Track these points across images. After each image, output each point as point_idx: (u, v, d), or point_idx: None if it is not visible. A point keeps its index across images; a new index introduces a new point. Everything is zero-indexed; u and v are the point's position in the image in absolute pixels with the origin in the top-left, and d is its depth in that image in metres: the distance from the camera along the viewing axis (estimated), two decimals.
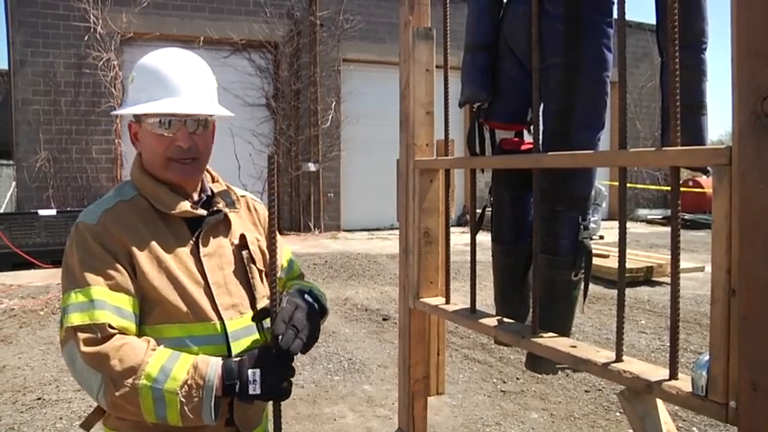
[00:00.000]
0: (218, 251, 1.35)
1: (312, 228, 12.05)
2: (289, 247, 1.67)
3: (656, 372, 1.22)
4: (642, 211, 14.86)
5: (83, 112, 10.60)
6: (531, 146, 1.70)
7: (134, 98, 1.30)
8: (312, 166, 12.05)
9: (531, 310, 1.59)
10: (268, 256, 1.34)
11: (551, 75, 1.82)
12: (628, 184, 1.35)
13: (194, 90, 1.31)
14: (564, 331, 1.85)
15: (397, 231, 2.25)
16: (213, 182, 1.46)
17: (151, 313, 1.25)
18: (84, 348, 1.14)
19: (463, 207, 12.91)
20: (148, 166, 1.34)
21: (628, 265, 1.78)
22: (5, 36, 10.40)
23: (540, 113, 1.62)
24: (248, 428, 1.35)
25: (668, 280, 2.31)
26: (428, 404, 2.07)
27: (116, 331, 1.17)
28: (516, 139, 2.10)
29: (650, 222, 14.17)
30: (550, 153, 1.51)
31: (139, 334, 1.23)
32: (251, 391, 1.18)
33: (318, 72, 12.04)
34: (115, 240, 1.25)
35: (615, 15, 1.59)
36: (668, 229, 2.04)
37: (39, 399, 3.84)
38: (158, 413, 1.15)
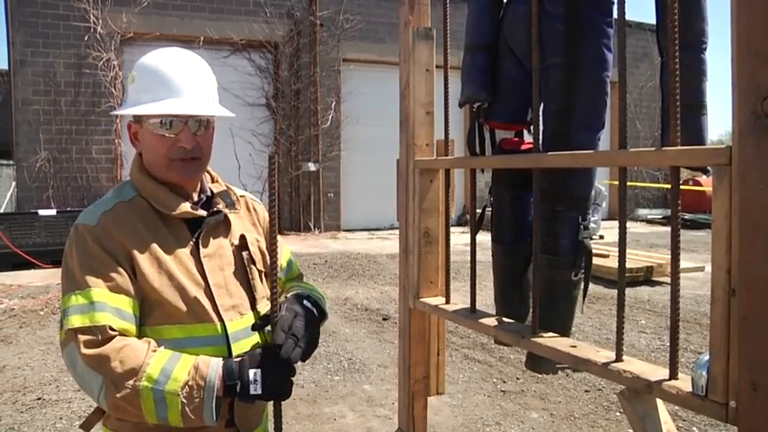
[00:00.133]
0: (219, 252, 1.35)
1: (312, 228, 12.05)
2: (288, 247, 1.67)
3: (656, 371, 1.22)
4: (642, 211, 14.86)
5: (83, 112, 10.60)
6: (531, 146, 1.70)
7: (135, 98, 1.30)
8: (312, 166, 12.05)
9: (531, 310, 1.59)
10: (268, 257, 1.34)
11: (551, 75, 1.82)
12: (628, 184, 1.35)
13: (197, 90, 1.30)
14: (564, 331, 1.85)
15: (397, 231, 2.25)
16: (213, 182, 1.46)
17: (151, 314, 1.25)
18: (84, 350, 1.14)
19: (463, 207, 12.91)
20: (150, 166, 1.34)
21: (628, 265, 1.78)
22: (5, 36, 10.41)
23: (540, 113, 1.62)
24: (248, 429, 1.35)
25: (668, 280, 2.32)
26: (428, 404, 2.07)
27: (116, 333, 1.17)
28: (516, 139, 2.10)
29: (650, 222, 14.17)
30: (550, 153, 1.51)
31: (140, 335, 1.23)
32: (252, 392, 1.18)
33: (318, 72, 12.04)
34: (115, 241, 1.24)
35: (615, 15, 1.59)
36: (668, 228, 2.04)
37: (39, 399, 3.84)
38: (159, 414, 1.15)
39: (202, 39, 10.82)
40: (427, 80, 1.94)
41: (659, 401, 1.28)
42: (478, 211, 2.18)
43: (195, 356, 1.20)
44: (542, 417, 3.62)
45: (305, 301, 1.35)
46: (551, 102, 1.85)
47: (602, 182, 11.40)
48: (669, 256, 1.85)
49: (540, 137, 1.56)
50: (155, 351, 1.18)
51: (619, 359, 1.29)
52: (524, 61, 1.92)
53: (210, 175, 1.46)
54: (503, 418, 3.60)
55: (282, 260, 1.57)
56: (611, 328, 5.25)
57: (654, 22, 1.74)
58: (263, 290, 1.41)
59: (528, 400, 3.87)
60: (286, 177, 11.84)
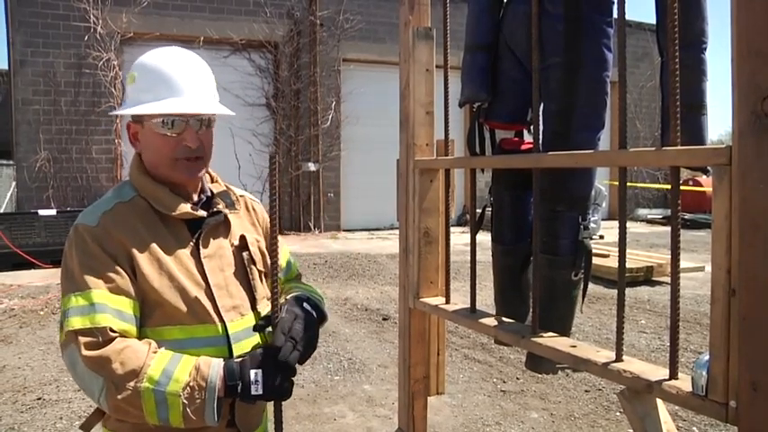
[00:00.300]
0: (219, 252, 1.35)
1: (312, 228, 12.05)
2: (287, 246, 1.67)
3: (656, 371, 1.22)
4: (642, 211, 14.86)
5: (83, 112, 10.60)
6: (531, 146, 1.70)
7: (137, 98, 1.29)
8: (312, 166, 12.05)
9: (531, 310, 1.59)
10: (268, 257, 1.34)
11: (551, 75, 1.82)
12: (628, 184, 1.35)
13: (198, 89, 1.31)
14: (564, 331, 1.85)
15: (397, 231, 2.25)
16: (212, 182, 1.46)
17: (152, 315, 1.25)
18: (85, 352, 1.14)
19: (463, 207, 12.91)
20: (152, 166, 1.33)
21: (628, 265, 1.78)
22: (5, 36, 10.41)
23: (540, 113, 1.62)
24: (249, 429, 1.35)
25: (668, 280, 2.31)
26: (428, 404, 2.07)
27: (117, 335, 1.17)
28: (516, 138, 2.10)
29: (650, 222, 14.17)
30: (550, 153, 1.51)
31: (140, 336, 1.23)
32: (253, 392, 1.18)
33: (318, 72, 12.04)
34: (115, 242, 1.24)
35: (615, 15, 1.59)
36: (668, 228, 2.04)
37: (39, 399, 3.84)
38: (161, 415, 1.15)
39: (202, 39, 10.82)
40: (427, 80, 1.94)
41: (659, 401, 1.28)
42: (478, 211, 2.18)
43: (196, 357, 1.20)
44: (542, 417, 3.62)
45: (305, 304, 1.36)
46: (551, 102, 1.85)
47: (602, 182, 11.40)
48: (669, 256, 1.85)
49: (540, 137, 1.56)
50: (155, 352, 1.18)
51: (619, 359, 1.29)
52: (524, 61, 1.92)
53: (210, 176, 1.46)
54: (503, 418, 3.61)
55: (281, 260, 1.56)
56: (611, 328, 5.25)
57: (654, 22, 1.74)
58: (263, 290, 1.41)
59: (528, 400, 3.87)
60: (286, 177, 11.84)
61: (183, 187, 1.35)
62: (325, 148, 12.26)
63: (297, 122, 12.09)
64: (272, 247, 1.26)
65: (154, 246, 1.27)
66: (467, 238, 1.94)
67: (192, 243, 1.32)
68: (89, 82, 10.56)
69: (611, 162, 1.50)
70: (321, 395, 3.95)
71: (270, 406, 1.33)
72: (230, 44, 11.46)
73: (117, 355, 1.14)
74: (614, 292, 5.63)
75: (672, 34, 1.14)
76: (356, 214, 12.57)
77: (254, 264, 1.40)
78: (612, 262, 7.38)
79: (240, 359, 1.22)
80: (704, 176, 2.22)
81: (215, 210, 1.37)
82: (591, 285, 2.03)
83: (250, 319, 1.35)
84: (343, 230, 12.30)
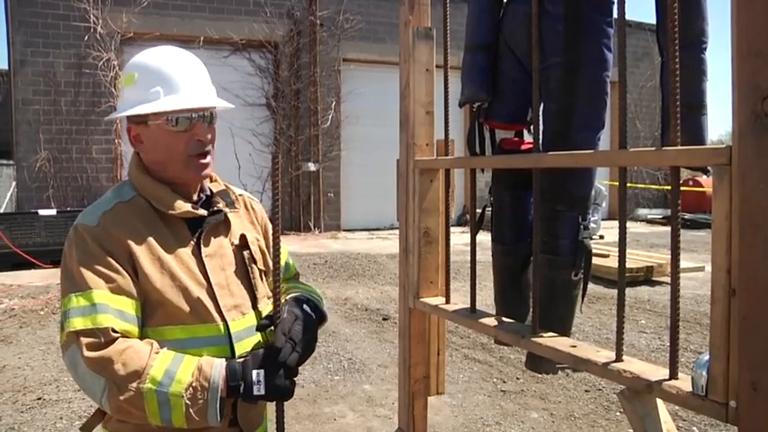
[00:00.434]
0: (220, 251, 1.35)
1: (312, 227, 12.05)
2: (286, 246, 1.67)
3: (656, 371, 1.22)
4: (642, 211, 14.86)
5: (83, 112, 10.60)
6: (531, 146, 1.70)
7: (140, 98, 1.28)
8: (312, 166, 12.05)
9: (531, 310, 1.59)
10: (269, 256, 1.34)
11: (551, 75, 1.82)
12: (628, 184, 1.35)
13: (200, 85, 1.32)
14: (564, 331, 1.85)
15: (397, 231, 2.25)
16: (211, 181, 1.46)
17: (153, 315, 1.24)
18: (87, 353, 1.14)
19: (463, 207, 12.91)
20: (159, 166, 1.32)
21: (628, 265, 1.78)
22: (5, 36, 10.41)
23: (540, 113, 1.62)
24: (251, 428, 1.35)
25: (668, 280, 2.31)
26: (428, 404, 2.07)
27: (119, 335, 1.17)
28: (516, 138, 2.10)
29: (650, 222, 14.17)
30: (550, 153, 1.51)
31: (141, 336, 1.22)
32: (255, 392, 1.18)
33: (318, 72, 12.04)
34: (115, 242, 1.24)
35: (615, 15, 1.59)
36: (668, 228, 2.04)
37: (39, 399, 3.84)
38: (163, 416, 1.15)
39: (202, 39, 10.82)
40: (427, 80, 1.94)
41: (659, 401, 1.28)
42: (478, 211, 2.18)
43: (198, 357, 1.20)
44: (542, 417, 3.62)
45: (305, 306, 1.36)
46: (551, 102, 1.85)
47: (602, 182, 11.39)
48: (669, 256, 1.85)
49: (540, 137, 1.56)
50: (157, 353, 1.17)
51: (619, 359, 1.29)
52: (524, 61, 1.93)
53: (209, 175, 1.46)
54: (503, 418, 3.61)
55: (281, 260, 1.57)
56: (611, 328, 5.25)
57: (654, 22, 1.74)
58: (263, 289, 1.41)
59: (528, 400, 3.87)
60: (286, 177, 11.83)
61: (185, 186, 1.35)
62: (325, 148, 12.26)
63: (297, 122, 12.09)
64: (275, 247, 1.26)
65: (155, 245, 1.26)
66: (467, 238, 1.94)
67: (192, 242, 1.32)
68: (89, 82, 10.55)
69: (611, 162, 1.50)
70: (321, 395, 3.95)
71: (270, 406, 1.33)
72: (230, 44, 11.46)
73: (119, 355, 1.14)
74: (614, 292, 5.64)
75: (672, 34, 1.15)
76: (356, 214, 12.57)
77: (255, 262, 1.40)
78: (612, 262, 7.38)
79: (242, 359, 1.22)
80: (704, 176, 2.23)
81: (215, 209, 1.37)
82: (591, 285, 2.03)
83: (251, 319, 1.35)
84: (343, 230, 12.30)
